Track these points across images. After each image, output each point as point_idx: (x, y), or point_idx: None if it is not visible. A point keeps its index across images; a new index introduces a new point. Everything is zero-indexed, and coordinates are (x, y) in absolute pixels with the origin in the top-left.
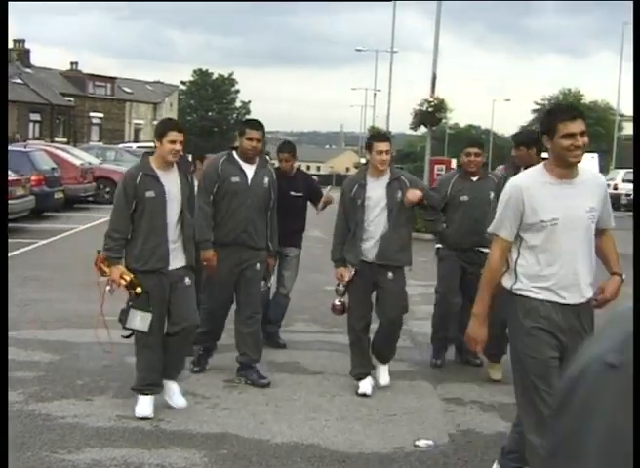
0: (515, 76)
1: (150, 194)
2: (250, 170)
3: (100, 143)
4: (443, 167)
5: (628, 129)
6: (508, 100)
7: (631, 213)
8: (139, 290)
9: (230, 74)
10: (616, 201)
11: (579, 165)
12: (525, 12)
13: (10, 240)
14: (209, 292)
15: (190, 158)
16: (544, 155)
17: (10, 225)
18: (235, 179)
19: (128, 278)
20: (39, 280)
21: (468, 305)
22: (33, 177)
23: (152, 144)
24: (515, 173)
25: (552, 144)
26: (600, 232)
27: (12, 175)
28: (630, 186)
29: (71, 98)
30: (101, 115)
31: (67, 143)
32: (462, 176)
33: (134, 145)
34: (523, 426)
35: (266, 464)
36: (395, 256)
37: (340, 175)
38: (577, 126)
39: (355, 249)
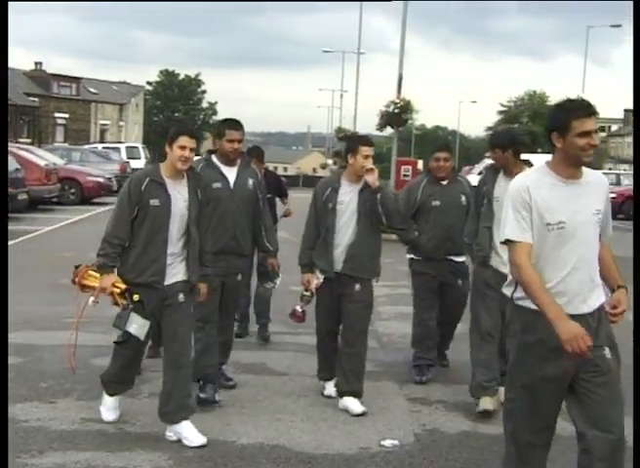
0: (481, 78)
1: (155, 202)
2: (232, 173)
3: (66, 144)
4: (410, 168)
5: None
6: (474, 102)
7: None
8: (136, 297)
9: (197, 75)
10: None
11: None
12: (489, 14)
13: None
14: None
15: None
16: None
17: None
18: (217, 185)
19: (123, 286)
20: None
21: (446, 316)
22: None
23: (117, 145)
24: (494, 176)
25: (564, 143)
26: (600, 238)
27: None
28: None
29: (36, 99)
30: (67, 116)
31: (32, 144)
32: (432, 181)
33: (99, 146)
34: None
35: (232, 466)
36: (364, 266)
37: (307, 177)
38: (593, 123)
39: (327, 255)
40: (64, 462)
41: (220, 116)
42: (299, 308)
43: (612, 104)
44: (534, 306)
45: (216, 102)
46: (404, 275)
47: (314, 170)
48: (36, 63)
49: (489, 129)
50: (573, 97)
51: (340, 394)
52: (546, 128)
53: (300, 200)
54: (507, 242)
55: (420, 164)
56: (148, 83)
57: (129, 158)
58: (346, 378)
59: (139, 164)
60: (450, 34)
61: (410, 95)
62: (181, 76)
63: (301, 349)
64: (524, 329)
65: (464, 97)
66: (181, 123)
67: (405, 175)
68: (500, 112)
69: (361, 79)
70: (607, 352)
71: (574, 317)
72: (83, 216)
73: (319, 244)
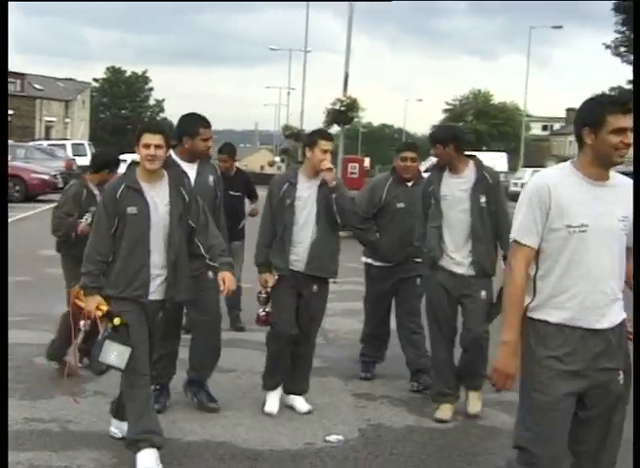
0: (427, 77)
1: (132, 210)
2: (192, 170)
3: (10, 141)
4: (357, 165)
5: (535, 129)
6: (420, 100)
7: None
8: (117, 321)
9: (144, 72)
10: None
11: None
12: (437, 14)
13: None
14: None
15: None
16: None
17: None
18: None
19: (105, 308)
20: None
21: (405, 318)
22: None
23: (63, 142)
24: (440, 174)
25: (595, 140)
26: (627, 252)
27: None
28: None
29: None
30: (11, 112)
31: None
32: (397, 181)
33: (45, 143)
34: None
35: (177, 463)
36: (326, 266)
37: (255, 174)
38: (629, 120)
39: (284, 254)
40: None
41: (168, 114)
42: (261, 312)
43: (554, 104)
44: (552, 318)
45: (163, 100)
46: (352, 271)
47: (262, 167)
48: None
49: (434, 127)
50: (517, 96)
51: (287, 392)
52: (576, 121)
53: None
54: (513, 241)
55: (367, 161)
56: (95, 80)
57: (75, 155)
58: (294, 378)
59: (85, 161)
60: (397, 33)
61: (356, 93)
62: (128, 73)
63: (250, 346)
64: (539, 342)
65: (411, 95)
66: (148, 122)
67: (352, 173)
68: (446, 110)
69: (308, 77)
70: (621, 377)
71: (592, 333)
72: (28, 214)
73: (276, 241)
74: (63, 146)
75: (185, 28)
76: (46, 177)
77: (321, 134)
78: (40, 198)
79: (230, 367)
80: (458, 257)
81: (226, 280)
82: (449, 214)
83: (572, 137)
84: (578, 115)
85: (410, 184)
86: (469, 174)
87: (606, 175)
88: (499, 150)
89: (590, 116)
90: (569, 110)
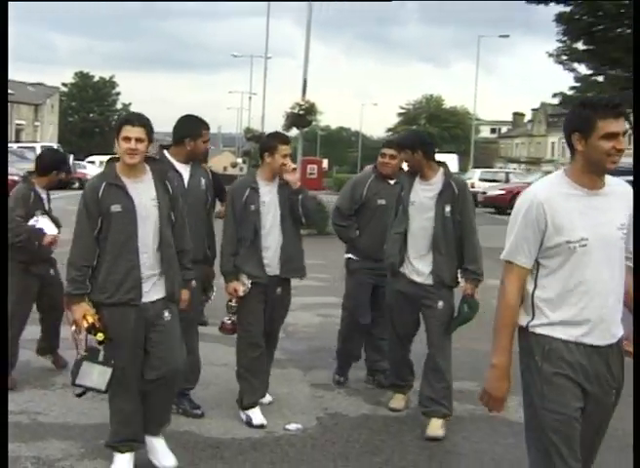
0: (382, 82)
1: (116, 208)
2: (185, 171)
3: None
4: (315, 167)
5: (484, 132)
6: (376, 105)
7: (486, 209)
8: (100, 336)
9: (111, 77)
10: (473, 199)
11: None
12: (391, 22)
13: None
14: None
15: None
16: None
17: None
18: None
19: (91, 320)
20: None
21: (379, 319)
22: None
23: (33, 145)
24: (411, 180)
25: (586, 146)
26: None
27: None
28: (486, 185)
29: None
30: None
31: None
32: (379, 178)
33: (14, 146)
34: None
35: (141, 452)
36: (299, 266)
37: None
38: (621, 125)
39: (258, 260)
40: None
41: None
42: (227, 320)
43: (501, 108)
44: (557, 334)
45: (130, 104)
46: (311, 268)
47: (225, 168)
48: None
49: (389, 130)
50: (467, 101)
51: None
52: (565, 127)
53: None
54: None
55: (325, 163)
56: (64, 84)
57: None
58: None
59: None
60: (352, 40)
61: (314, 97)
62: (96, 78)
63: (212, 339)
64: (544, 359)
65: (367, 99)
66: (129, 113)
67: (311, 174)
68: (400, 114)
69: (269, 82)
70: (614, 393)
71: (597, 349)
72: None
73: (245, 248)
74: (33, 149)
75: (151, 36)
76: (16, 178)
77: (280, 138)
78: None
79: None
80: (419, 266)
81: (182, 299)
82: (414, 221)
83: (518, 140)
84: (567, 120)
85: (392, 182)
86: (437, 181)
87: (600, 183)
88: (450, 152)
89: (580, 121)
90: (515, 114)
